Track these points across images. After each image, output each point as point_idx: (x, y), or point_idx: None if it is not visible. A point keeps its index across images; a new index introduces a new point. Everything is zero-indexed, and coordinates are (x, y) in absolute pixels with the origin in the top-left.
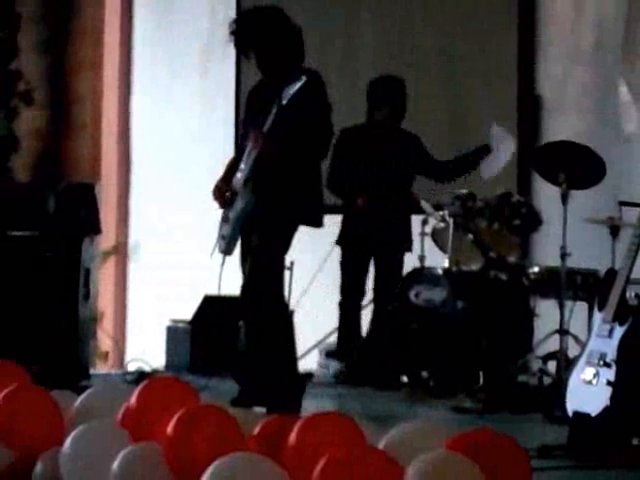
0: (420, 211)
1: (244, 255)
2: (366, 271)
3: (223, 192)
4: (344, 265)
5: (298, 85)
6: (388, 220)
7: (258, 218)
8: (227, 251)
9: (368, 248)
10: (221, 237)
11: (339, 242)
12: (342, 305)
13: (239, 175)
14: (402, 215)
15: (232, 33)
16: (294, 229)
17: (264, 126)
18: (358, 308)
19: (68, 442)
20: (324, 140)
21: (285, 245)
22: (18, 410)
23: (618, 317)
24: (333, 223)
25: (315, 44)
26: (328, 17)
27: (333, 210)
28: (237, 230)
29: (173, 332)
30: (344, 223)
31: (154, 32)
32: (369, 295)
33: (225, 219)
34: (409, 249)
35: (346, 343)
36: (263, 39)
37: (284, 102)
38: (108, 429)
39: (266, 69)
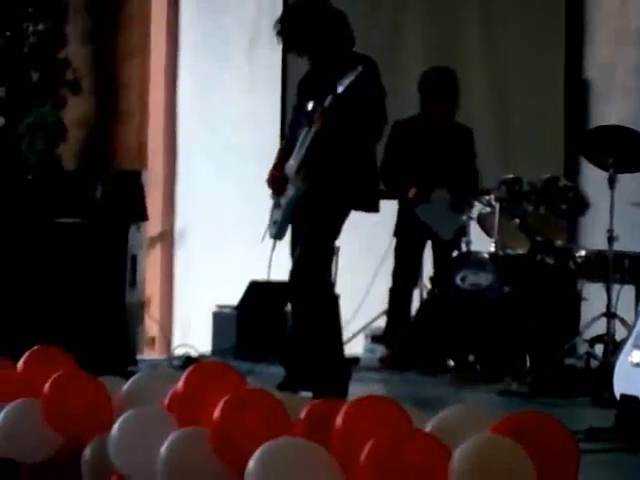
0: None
1: (294, 241)
2: (420, 259)
3: (277, 179)
4: (399, 252)
5: (354, 76)
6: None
7: (309, 205)
8: (278, 236)
9: (424, 237)
10: (273, 222)
11: (396, 233)
12: (393, 291)
13: (292, 162)
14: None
15: (278, 34)
16: (345, 216)
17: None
18: (409, 295)
19: (116, 427)
20: (379, 125)
21: (335, 232)
22: (66, 396)
23: None
24: (382, 207)
25: (361, 37)
26: (374, 11)
27: (383, 195)
28: (288, 216)
29: (219, 317)
30: (399, 214)
31: (200, 19)
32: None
33: (277, 205)
34: (464, 234)
35: (394, 329)
36: (310, 34)
37: (340, 90)
38: (155, 414)
39: (318, 61)
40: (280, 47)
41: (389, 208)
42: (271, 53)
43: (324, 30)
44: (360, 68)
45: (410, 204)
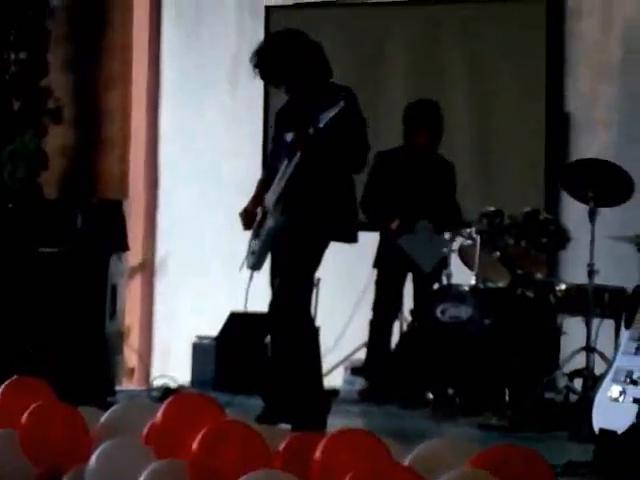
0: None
1: (274, 272)
2: (401, 291)
3: (250, 215)
4: (379, 285)
5: (337, 110)
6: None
7: (288, 236)
8: (256, 266)
9: (405, 269)
10: (251, 253)
11: (376, 265)
12: (373, 323)
13: (271, 193)
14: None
15: (255, 66)
16: (324, 247)
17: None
18: (390, 327)
19: (94, 458)
20: (361, 155)
21: (315, 263)
22: (44, 427)
23: None
24: (363, 239)
25: (345, 69)
26: (358, 43)
27: (363, 227)
28: (267, 246)
29: (199, 348)
30: (380, 246)
31: (182, 48)
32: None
33: (256, 235)
34: (444, 266)
35: (374, 361)
36: (285, 66)
37: (322, 124)
38: (133, 446)
39: (295, 92)
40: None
41: (370, 240)
42: (253, 83)
43: (300, 61)
44: (342, 103)
45: (393, 235)
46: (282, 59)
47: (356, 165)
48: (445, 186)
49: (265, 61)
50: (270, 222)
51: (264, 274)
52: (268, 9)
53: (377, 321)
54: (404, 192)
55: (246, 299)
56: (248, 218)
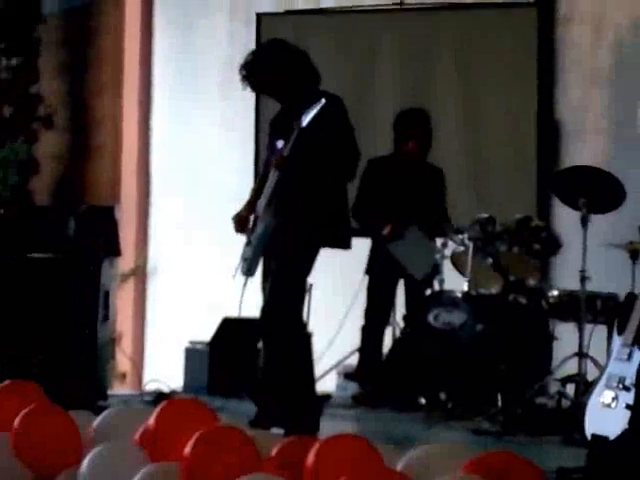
0: (440, 234)
1: (266, 277)
2: (393, 297)
3: (243, 220)
4: (371, 291)
5: (317, 108)
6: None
7: (279, 241)
8: (249, 273)
9: (396, 275)
10: (243, 259)
11: (368, 271)
12: (365, 329)
13: (262, 199)
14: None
15: (244, 78)
16: (316, 253)
17: (285, 149)
18: (381, 332)
19: (86, 462)
20: (348, 161)
21: (306, 269)
22: (37, 430)
23: (637, 341)
24: (355, 245)
25: (336, 76)
26: (349, 50)
27: (355, 232)
28: (259, 252)
29: (191, 353)
30: (372, 252)
31: (173, 55)
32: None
33: (248, 242)
34: (437, 272)
35: (366, 366)
36: (272, 75)
37: (303, 124)
38: (126, 449)
39: (284, 100)
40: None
41: (362, 246)
42: (244, 91)
43: (285, 69)
44: (323, 100)
45: (385, 241)
46: (268, 69)
47: (344, 167)
48: (435, 192)
49: (252, 72)
50: (260, 227)
51: (257, 279)
52: (259, 16)
53: (369, 327)
54: (395, 199)
55: (240, 305)
56: (240, 221)
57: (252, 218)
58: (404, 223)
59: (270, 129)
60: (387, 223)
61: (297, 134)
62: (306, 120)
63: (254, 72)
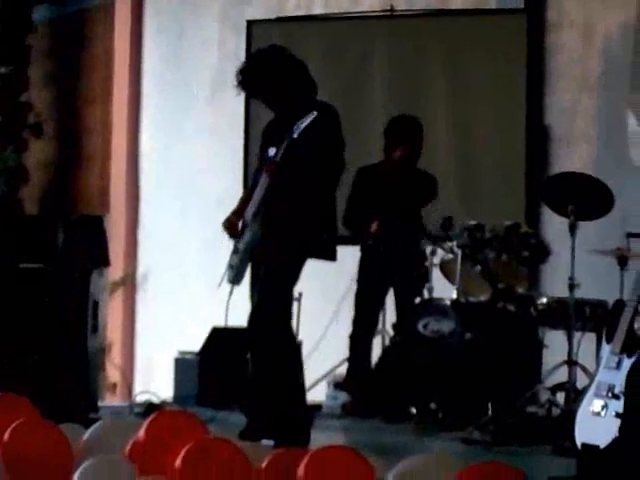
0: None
1: (253, 286)
2: (382, 306)
3: (234, 224)
4: (359, 299)
5: (310, 119)
6: (404, 253)
7: (265, 250)
8: (235, 281)
9: (386, 284)
10: (230, 267)
11: (359, 281)
12: (353, 337)
13: (249, 208)
14: (417, 247)
15: (239, 84)
16: (302, 262)
17: (277, 157)
18: (369, 341)
19: (77, 476)
20: (335, 173)
21: (293, 278)
22: (27, 444)
23: (626, 349)
24: (343, 253)
25: (326, 83)
26: (340, 56)
27: (343, 241)
28: (245, 261)
29: (181, 364)
30: (362, 261)
31: (163, 64)
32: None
33: (235, 250)
34: (426, 279)
35: (355, 375)
36: (270, 83)
37: (295, 135)
38: (116, 462)
39: (278, 108)
40: (243, 93)
41: (351, 254)
42: (234, 100)
43: (283, 77)
44: (315, 112)
45: (374, 237)
46: (266, 74)
47: (331, 178)
48: (426, 199)
49: (249, 77)
50: (247, 236)
51: (245, 287)
52: (250, 23)
53: (357, 336)
54: (385, 205)
55: (226, 314)
56: (233, 227)
57: (240, 225)
58: (394, 225)
59: (262, 138)
60: (374, 219)
61: (287, 144)
62: (298, 131)
63: (250, 77)
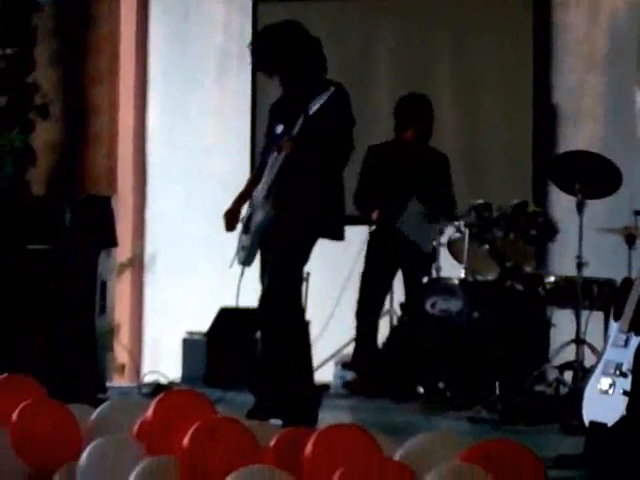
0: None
1: (264, 267)
2: (389, 287)
3: (233, 215)
4: (366, 278)
5: (326, 97)
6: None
7: (277, 230)
8: (246, 262)
9: (395, 264)
10: (241, 248)
11: (367, 260)
12: (359, 316)
13: (261, 186)
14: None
15: (252, 55)
16: (313, 242)
17: (292, 134)
18: (376, 320)
19: (85, 456)
20: (346, 152)
21: (303, 258)
22: (34, 424)
23: (634, 327)
24: (351, 234)
25: (332, 63)
26: (345, 37)
27: (351, 221)
28: (257, 242)
29: (189, 344)
30: (370, 240)
31: (169, 44)
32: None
33: (245, 230)
34: (434, 259)
35: (362, 354)
36: (283, 57)
37: (311, 112)
38: (125, 442)
39: (290, 84)
40: (249, 74)
41: (360, 234)
42: (240, 79)
43: (298, 53)
44: (332, 88)
45: (377, 223)
46: (281, 48)
47: (341, 157)
48: (438, 177)
49: (262, 48)
50: (259, 216)
51: (254, 268)
52: (255, 3)
53: (362, 315)
54: (396, 184)
55: (237, 295)
56: (231, 219)
57: (247, 206)
58: (404, 199)
59: (270, 114)
60: (375, 207)
61: (303, 121)
62: (313, 108)
63: (264, 49)
